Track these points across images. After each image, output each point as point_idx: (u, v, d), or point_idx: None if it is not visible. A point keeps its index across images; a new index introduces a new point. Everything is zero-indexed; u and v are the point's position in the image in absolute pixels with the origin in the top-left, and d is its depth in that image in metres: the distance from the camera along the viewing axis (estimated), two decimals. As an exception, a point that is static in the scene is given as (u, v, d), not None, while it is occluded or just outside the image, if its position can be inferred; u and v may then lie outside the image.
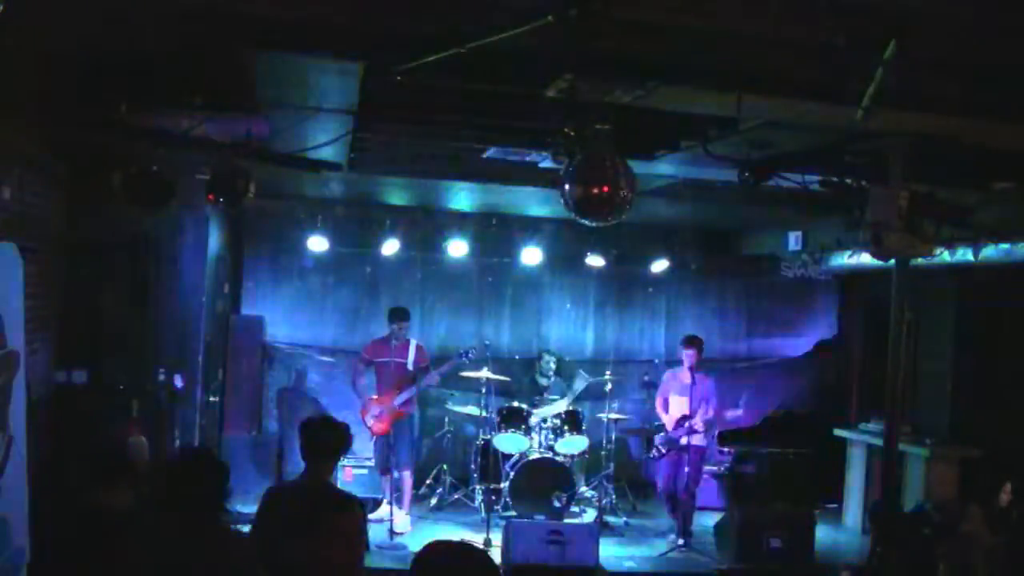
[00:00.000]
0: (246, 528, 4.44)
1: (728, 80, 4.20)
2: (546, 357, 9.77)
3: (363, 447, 8.94)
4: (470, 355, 8.86)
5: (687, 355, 8.54)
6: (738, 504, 8.82)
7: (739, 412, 8.84)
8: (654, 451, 8.64)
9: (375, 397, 8.59)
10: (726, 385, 10.58)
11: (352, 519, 4.38)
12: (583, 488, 9.32)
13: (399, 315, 8.67)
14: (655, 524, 9.01)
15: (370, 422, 8.53)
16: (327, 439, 4.42)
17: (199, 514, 3.58)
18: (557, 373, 9.86)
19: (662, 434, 8.58)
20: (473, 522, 8.70)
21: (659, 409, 8.81)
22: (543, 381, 9.68)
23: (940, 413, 9.22)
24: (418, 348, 8.69)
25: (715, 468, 9.80)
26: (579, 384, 9.41)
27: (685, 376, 8.55)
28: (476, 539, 8.06)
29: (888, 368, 6.33)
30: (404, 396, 8.50)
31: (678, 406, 8.54)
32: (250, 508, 4.44)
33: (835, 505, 9.75)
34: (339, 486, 6.28)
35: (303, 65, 4.42)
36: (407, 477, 8.56)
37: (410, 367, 8.57)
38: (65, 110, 5.54)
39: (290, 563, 4.12)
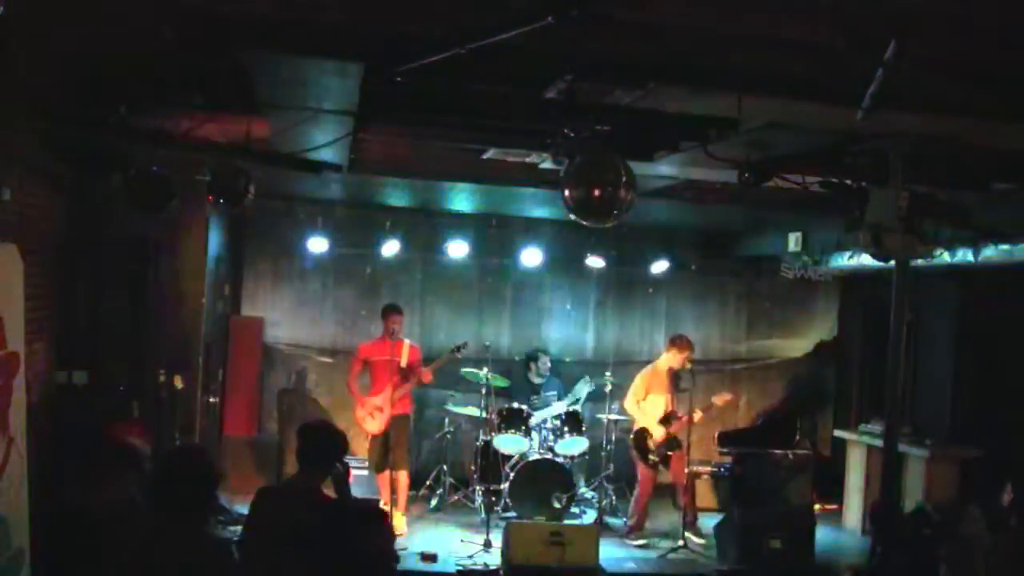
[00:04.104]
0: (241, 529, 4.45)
1: (728, 80, 4.20)
2: (543, 357, 9.77)
3: (361, 448, 8.95)
4: (463, 349, 8.86)
5: (681, 356, 8.59)
6: (738, 505, 8.82)
7: (727, 396, 8.86)
8: (651, 457, 8.48)
9: (369, 396, 8.59)
10: (727, 385, 10.64)
11: (343, 523, 4.38)
12: (583, 489, 9.32)
13: (391, 311, 8.65)
14: (655, 525, 9.00)
15: (365, 422, 8.52)
16: (324, 445, 4.42)
17: (179, 515, 3.56)
18: (555, 373, 9.86)
19: (656, 439, 8.48)
20: (473, 523, 8.70)
21: (634, 408, 8.61)
22: (537, 380, 9.67)
23: (940, 413, 9.22)
24: (412, 348, 8.70)
25: (715, 469, 9.79)
26: (581, 388, 9.39)
27: (667, 374, 8.65)
28: (476, 540, 8.07)
29: (888, 368, 6.32)
30: (398, 394, 8.50)
31: (657, 405, 8.58)
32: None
33: (835, 505, 9.75)
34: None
35: (303, 65, 4.42)
36: (403, 477, 8.54)
37: (404, 366, 8.58)
38: (65, 110, 5.54)
39: (281, 564, 4.13)
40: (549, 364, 9.77)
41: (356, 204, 9.77)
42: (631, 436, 8.75)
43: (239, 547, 4.30)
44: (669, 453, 8.51)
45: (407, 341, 8.73)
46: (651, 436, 8.52)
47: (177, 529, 3.53)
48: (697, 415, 8.56)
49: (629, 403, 8.68)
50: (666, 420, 8.54)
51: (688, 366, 8.64)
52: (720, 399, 8.77)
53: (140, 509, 4.27)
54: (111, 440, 4.26)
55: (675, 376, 8.71)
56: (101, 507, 3.91)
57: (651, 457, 8.52)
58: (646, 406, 8.60)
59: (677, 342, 8.74)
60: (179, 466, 3.77)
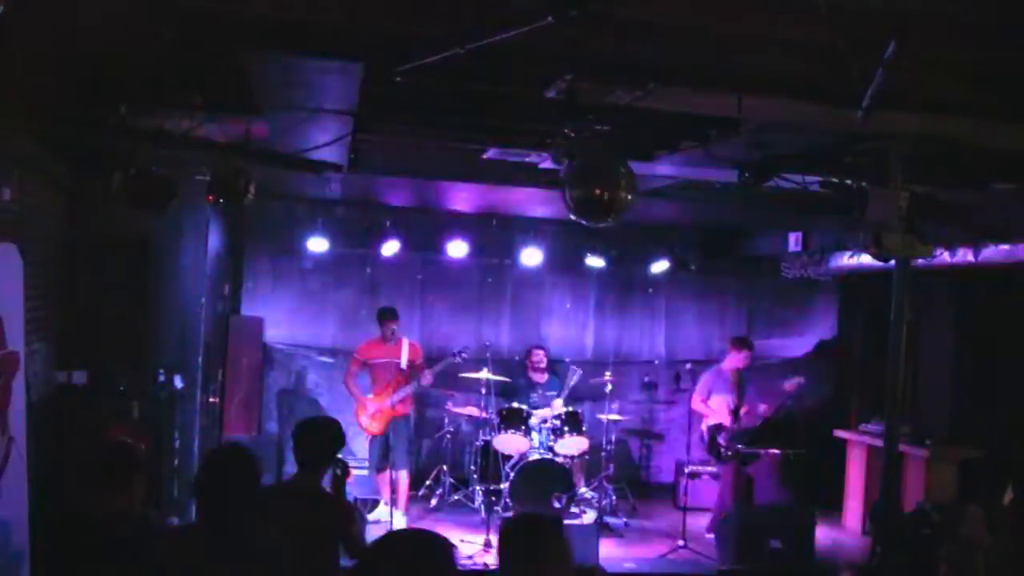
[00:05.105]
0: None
1: (728, 80, 4.20)
2: (535, 352, 9.77)
3: (362, 448, 8.95)
4: (463, 355, 8.86)
5: (739, 356, 8.78)
6: (738, 505, 8.83)
7: (798, 380, 8.80)
8: (721, 451, 8.62)
9: (370, 397, 8.59)
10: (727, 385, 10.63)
11: (344, 522, 4.38)
12: (583, 489, 9.31)
13: (388, 315, 8.65)
14: (655, 525, 9.00)
15: (366, 423, 8.53)
16: (321, 443, 4.41)
17: (229, 515, 3.53)
18: (552, 371, 9.85)
19: (723, 433, 8.61)
20: (473, 523, 8.70)
21: (700, 406, 8.76)
22: (537, 377, 9.67)
23: (940, 413, 9.22)
24: (411, 346, 8.69)
25: (714, 469, 9.79)
26: (571, 378, 9.39)
27: (731, 375, 8.79)
28: (476, 540, 8.07)
29: (888, 368, 6.33)
30: (399, 396, 8.50)
31: (722, 404, 8.70)
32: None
33: (835, 505, 9.75)
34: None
35: (303, 65, 4.42)
36: (403, 477, 8.55)
37: (404, 366, 8.58)
38: (65, 110, 5.53)
39: (284, 564, 4.12)
40: (544, 360, 9.75)
41: (356, 204, 9.76)
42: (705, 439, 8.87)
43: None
44: (740, 447, 8.61)
45: (406, 340, 8.73)
46: (721, 431, 8.64)
47: (226, 530, 3.50)
48: (762, 407, 8.66)
49: (695, 402, 8.84)
50: (735, 415, 8.67)
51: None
52: (790, 384, 8.74)
53: (144, 513, 4.26)
54: (120, 445, 4.24)
55: (739, 376, 8.85)
56: (114, 514, 3.89)
57: (725, 452, 8.65)
58: (712, 404, 8.71)
59: (733, 343, 8.96)
60: (230, 465, 3.73)
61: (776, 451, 8.82)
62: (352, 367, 8.76)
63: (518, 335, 10.63)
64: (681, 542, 8.30)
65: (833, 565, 8.01)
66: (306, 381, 10.18)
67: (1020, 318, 8.52)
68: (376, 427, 8.53)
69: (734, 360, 8.83)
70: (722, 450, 8.65)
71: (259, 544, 3.60)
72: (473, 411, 9.15)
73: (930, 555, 6.26)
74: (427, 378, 8.64)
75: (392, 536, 2.57)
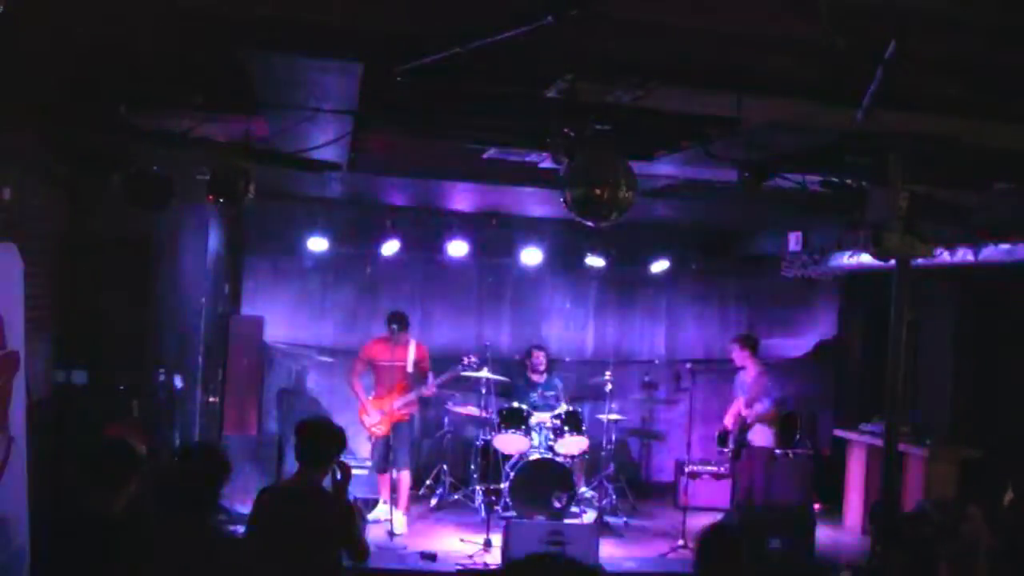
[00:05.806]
0: (242, 529, 4.45)
1: (728, 80, 4.20)
2: (536, 353, 9.76)
3: (362, 447, 8.95)
4: (473, 364, 8.84)
5: (739, 355, 8.86)
6: (738, 505, 8.83)
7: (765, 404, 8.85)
8: (728, 451, 8.83)
9: (373, 399, 8.57)
10: (727, 385, 10.64)
11: (344, 522, 4.39)
12: (583, 489, 9.31)
13: (398, 320, 8.60)
14: (655, 525, 8.99)
15: (369, 425, 8.50)
16: (322, 444, 4.42)
17: (189, 515, 3.57)
18: (551, 371, 9.85)
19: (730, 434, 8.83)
20: (473, 522, 8.70)
21: (728, 418, 8.92)
22: (536, 378, 9.67)
23: (940, 413, 9.22)
24: (418, 347, 8.67)
25: (715, 468, 9.81)
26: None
27: (743, 375, 8.89)
28: (476, 539, 8.08)
29: (888, 368, 6.32)
30: (402, 401, 8.48)
31: (737, 405, 8.83)
32: (249, 508, 4.44)
33: (835, 505, 9.75)
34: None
35: (303, 65, 4.42)
36: (405, 477, 8.54)
37: (410, 369, 8.55)
38: (65, 110, 5.54)
39: (282, 565, 4.13)
40: (544, 361, 9.74)
41: (356, 203, 9.76)
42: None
43: (243, 547, 4.31)
44: (732, 447, 8.75)
45: (413, 340, 8.70)
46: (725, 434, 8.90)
47: (185, 526, 3.53)
48: (747, 411, 8.72)
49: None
50: (736, 420, 8.77)
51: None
52: (759, 406, 8.82)
53: (136, 510, 4.27)
54: (119, 445, 4.25)
55: (749, 374, 8.88)
56: (113, 513, 3.90)
57: (726, 450, 8.88)
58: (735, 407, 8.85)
59: (734, 341, 9.07)
60: (192, 463, 3.77)
61: (777, 450, 8.85)
62: (356, 366, 8.73)
63: (518, 335, 10.62)
64: (681, 542, 8.29)
65: (833, 565, 8.00)
66: (306, 381, 10.17)
67: (1020, 318, 8.52)
68: (379, 430, 8.49)
69: (740, 359, 8.87)
70: (729, 451, 8.75)
71: (221, 543, 3.64)
72: (473, 411, 9.15)
73: (930, 555, 6.25)
74: (431, 388, 8.62)
75: (543, 559, 2.46)
